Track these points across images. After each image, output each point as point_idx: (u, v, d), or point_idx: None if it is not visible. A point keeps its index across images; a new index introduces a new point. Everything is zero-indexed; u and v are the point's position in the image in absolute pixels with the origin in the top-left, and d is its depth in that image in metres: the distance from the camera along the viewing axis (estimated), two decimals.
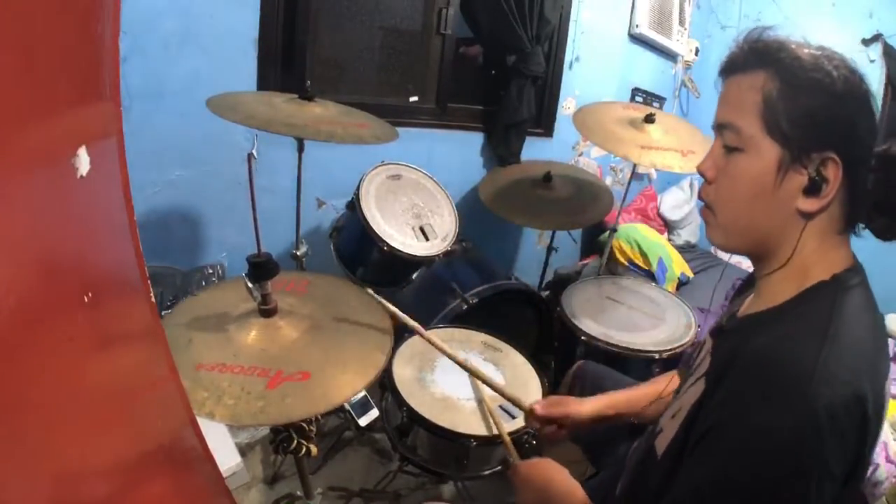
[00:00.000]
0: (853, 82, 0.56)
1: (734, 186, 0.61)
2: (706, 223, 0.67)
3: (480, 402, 1.08)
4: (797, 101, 0.56)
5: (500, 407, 1.08)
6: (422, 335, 1.02)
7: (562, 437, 1.00)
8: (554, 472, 0.85)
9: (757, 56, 0.59)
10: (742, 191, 0.61)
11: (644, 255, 2.22)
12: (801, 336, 0.54)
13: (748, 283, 0.79)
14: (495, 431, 1.01)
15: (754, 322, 0.63)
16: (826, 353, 0.51)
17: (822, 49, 0.58)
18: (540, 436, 1.02)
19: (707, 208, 0.66)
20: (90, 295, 0.39)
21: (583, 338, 1.47)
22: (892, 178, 0.57)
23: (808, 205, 0.57)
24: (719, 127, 0.63)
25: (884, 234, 0.60)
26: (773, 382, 0.52)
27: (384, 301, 0.99)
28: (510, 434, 1.01)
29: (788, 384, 0.51)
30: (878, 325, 0.59)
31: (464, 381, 1.13)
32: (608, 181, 2.77)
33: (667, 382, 0.92)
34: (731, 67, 0.62)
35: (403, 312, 1.00)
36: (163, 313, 1.47)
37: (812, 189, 0.56)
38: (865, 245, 0.64)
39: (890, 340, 2.05)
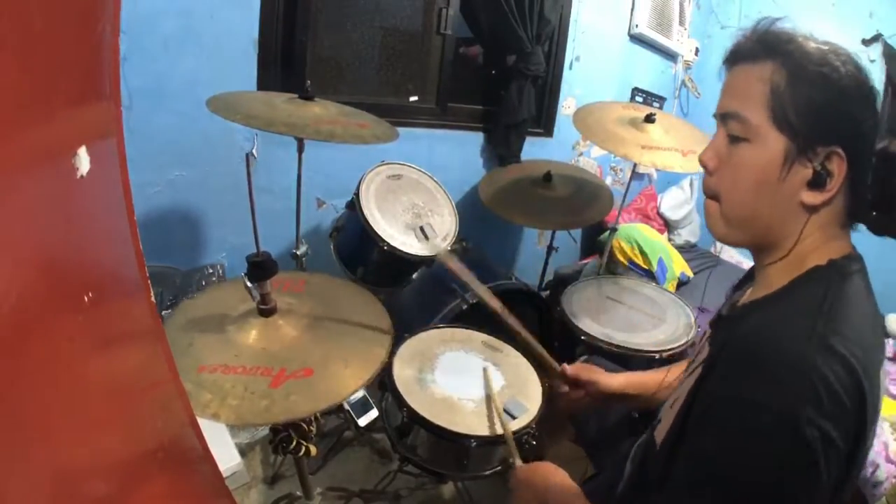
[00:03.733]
0: (859, 79, 0.57)
1: (738, 176, 0.61)
2: (708, 215, 0.66)
3: (489, 398, 1.07)
4: (804, 93, 0.56)
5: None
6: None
7: (585, 407, 1.00)
8: (553, 475, 0.85)
9: (765, 46, 0.59)
10: (746, 181, 0.60)
11: (644, 254, 2.21)
12: (795, 312, 0.55)
13: (748, 278, 0.79)
14: (498, 431, 1.01)
15: (751, 308, 0.63)
16: (820, 328, 0.51)
17: (829, 44, 0.58)
18: (564, 399, 1.02)
19: (710, 199, 0.66)
20: (90, 295, 0.39)
21: (583, 338, 1.47)
22: (890, 175, 0.57)
23: (812, 198, 0.58)
24: (724, 117, 0.62)
25: (879, 229, 0.61)
26: (768, 359, 0.52)
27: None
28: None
29: (784, 359, 0.51)
30: (874, 313, 0.59)
31: (464, 382, 1.13)
32: (608, 181, 2.77)
33: (680, 370, 0.91)
34: (738, 56, 0.62)
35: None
36: (163, 313, 1.48)
37: (816, 182, 0.57)
38: (867, 244, 0.64)
39: (889, 341, 2.06)
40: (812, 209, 0.58)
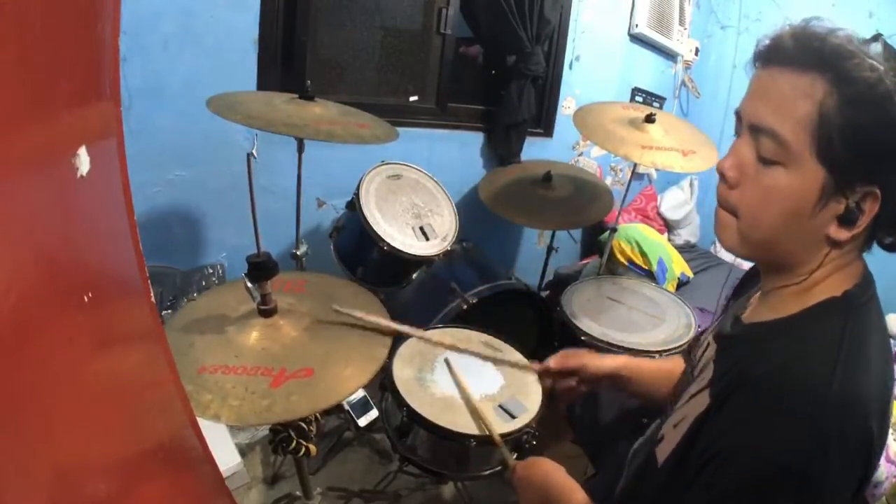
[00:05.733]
0: None
1: (767, 201, 0.56)
2: (721, 225, 0.61)
3: (468, 403, 1.07)
4: (854, 124, 0.50)
5: (500, 406, 1.08)
6: (413, 335, 1.02)
7: (580, 394, 0.97)
8: (552, 471, 0.84)
9: (815, 55, 0.52)
10: (775, 208, 0.55)
11: (644, 255, 2.21)
12: (812, 359, 0.52)
13: (748, 282, 0.78)
14: (496, 432, 1.01)
15: (761, 333, 0.61)
16: (838, 378, 0.50)
17: (878, 58, 0.51)
18: (557, 394, 0.99)
19: (726, 211, 0.60)
20: (90, 295, 0.38)
21: (583, 338, 1.47)
22: None
23: (840, 234, 0.54)
24: (755, 129, 0.55)
25: (891, 247, 0.59)
26: (784, 409, 0.50)
27: (357, 315, 0.94)
28: (509, 434, 1.01)
29: (799, 412, 0.49)
30: (886, 343, 0.58)
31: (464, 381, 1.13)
32: (608, 181, 2.77)
33: (675, 363, 0.90)
34: (779, 58, 0.54)
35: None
36: (163, 313, 1.48)
37: (847, 219, 0.53)
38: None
39: (891, 341, 2.05)
40: (836, 244, 0.55)
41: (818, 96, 0.51)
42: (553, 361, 0.96)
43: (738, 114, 0.59)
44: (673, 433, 0.65)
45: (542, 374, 0.98)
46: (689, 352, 0.87)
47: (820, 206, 0.53)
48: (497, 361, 1.07)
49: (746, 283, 0.79)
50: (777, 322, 0.59)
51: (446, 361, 1.15)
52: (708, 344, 0.73)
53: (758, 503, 0.50)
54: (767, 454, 0.49)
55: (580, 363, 0.95)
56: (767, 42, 0.56)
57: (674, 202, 2.95)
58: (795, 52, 0.53)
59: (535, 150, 2.33)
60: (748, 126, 0.57)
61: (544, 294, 2.22)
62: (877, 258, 0.62)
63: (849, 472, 0.49)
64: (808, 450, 0.48)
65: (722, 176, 0.60)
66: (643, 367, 0.96)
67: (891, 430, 1.45)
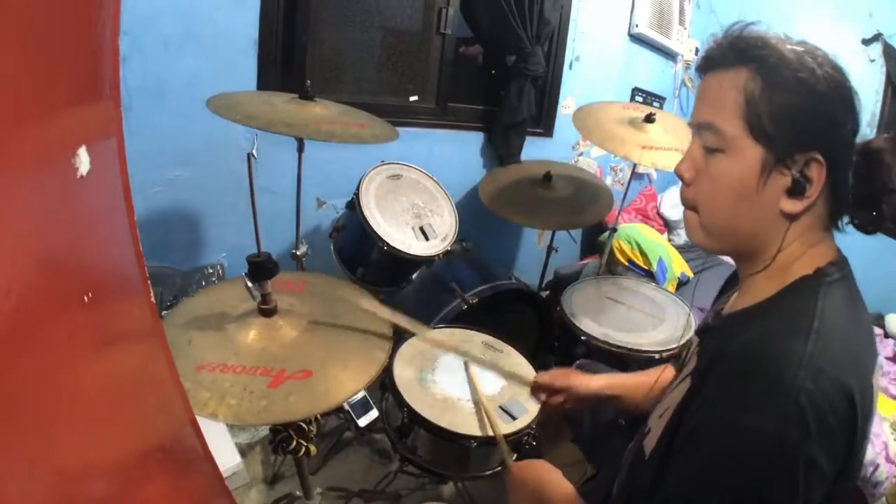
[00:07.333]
0: (837, 80, 0.55)
1: (715, 188, 0.60)
2: (688, 225, 0.66)
3: (477, 403, 1.07)
4: (780, 100, 0.55)
5: (501, 407, 1.08)
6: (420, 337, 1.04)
7: (567, 409, 1.02)
8: (546, 473, 0.85)
9: (737, 53, 0.58)
10: (724, 193, 0.59)
11: (644, 254, 2.21)
12: (785, 331, 0.54)
13: (731, 282, 0.79)
14: (489, 432, 1.01)
15: (738, 319, 0.62)
16: (810, 348, 0.51)
17: (804, 45, 0.56)
18: (545, 406, 1.04)
19: (689, 210, 0.65)
20: (90, 295, 0.39)
21: (583, 338, 1.47)
22: (873, 172, 0.57)
23: (792, 206, 0.57)
24: (698, 127, 0.61)
25: (865, 227, 0.60)
26: (758, 380, 0.51)
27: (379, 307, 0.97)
28: (509, 435, 1.01)
29: (773, 381, 0.50)
30: (863, 318, 0.58)
31: (464, 382, 1.13)
32: (608, 181, 2.77)
33: (660, 372, 0.92)
34: (710, 64, 0.60)
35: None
36: (163, 313, 1.48)
37: (795, 190, 0.56)
38: (867, 244, 0.63)
39: (889, 340, 2.05)
40: (792, 217, 0.57)
41: (742, 84, 0.56)
42: (545, 376, 1.02)
43: (690, 125, 0.64)
44: (658, 423, 0.66)
45: (535, 389, 1.05)
46: (678, 356, 0.88)
47: (763, 181, 0.57)
48: (497, 370, 1.11)
49: (730, 283, 0.80)
50: (752, 307, 0.61)
51: (465, 364, 1.16)
52: (693, 341, 0.75)
53: (739, 472, 0.50)
54: (745, 421, 0.50)
55: (567, 384, 1.00)
56: (701, 55, 0.62)
57: (674, 202, 2.95)
58: (721, 55, 0.59)
59: (535, 150, 2.33)
60: (694, 127, 0.63)
61: (544, 294, 2.22)
62: (878, 258, 0.62)
63: (829, 440, 0.49)
64: (785, 415, 0.48)
65: (680, 177, 0.64)
66: (627, 384, 0.99)
67: (890, 431, 1.45)
